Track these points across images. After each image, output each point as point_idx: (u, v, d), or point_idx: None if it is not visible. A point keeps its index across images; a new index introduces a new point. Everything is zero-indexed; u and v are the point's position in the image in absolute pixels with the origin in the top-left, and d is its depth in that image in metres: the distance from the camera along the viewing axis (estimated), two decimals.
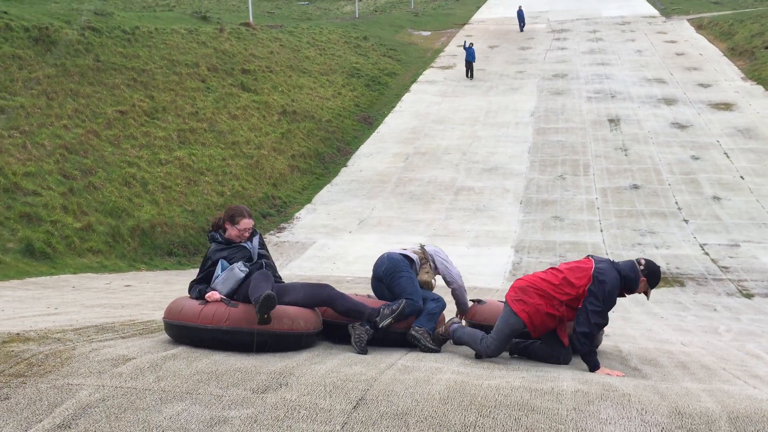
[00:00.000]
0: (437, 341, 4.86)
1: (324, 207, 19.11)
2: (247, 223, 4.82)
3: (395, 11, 48.67)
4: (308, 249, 16.09)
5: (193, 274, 4.96)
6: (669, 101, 26.37)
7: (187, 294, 4.87)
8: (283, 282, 4.88)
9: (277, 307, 4.33)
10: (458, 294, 5.47)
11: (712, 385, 4.23)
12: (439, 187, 19.98)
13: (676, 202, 18.07)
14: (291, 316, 4.43)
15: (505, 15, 44.63)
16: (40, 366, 3.81)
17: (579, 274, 4.56)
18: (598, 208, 18.01)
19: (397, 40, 37.79)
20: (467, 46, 30.95)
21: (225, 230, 4.87)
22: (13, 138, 15.87)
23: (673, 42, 35.40)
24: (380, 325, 4.65)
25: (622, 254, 14.72)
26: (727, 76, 29.18)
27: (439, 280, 5.38)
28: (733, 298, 12.49)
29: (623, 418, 3.31)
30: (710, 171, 19.94)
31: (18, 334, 4.55)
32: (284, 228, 17.73)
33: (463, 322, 5.31)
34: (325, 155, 22.91)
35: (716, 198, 18.20)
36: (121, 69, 21.29)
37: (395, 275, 5.03)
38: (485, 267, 14.45)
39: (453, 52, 35.59)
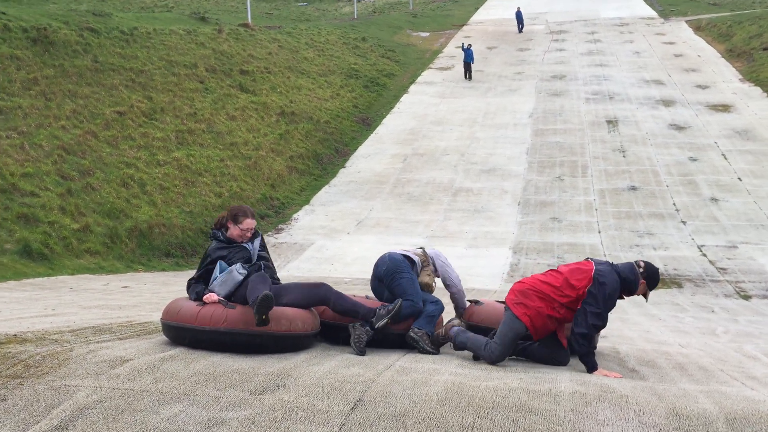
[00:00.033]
0: (436, 343, 4.86)
1: (322, 208, 19.10)
2: (249, 223, 4.82)
3: (394, 12, 48.69)
4: (306, 250, 16.08)
5: (190, 275, 4.96)
6: (667, 102, 26.39)
7: (184, 294, 4.87)
8: (281, 283, 4.88)
9: (275, 308, 4.32)
10: (457, 297, 5.49)
11: (710, 387, 4.24)
12: (437, 188, 19.97)
13: (674, 204, 18.08)
14: (289, 317, 4.43)
15: (504, 16, 44.69)
16: (37, 367, 3.81)
17: (579, 276, 4.56)
18: (596, 210, 18.02)
19: (395, 41, 37.79)
20: (465, 47, 30.95)
21: (227, 229, 4.87)
22: (10, 139, 15.85)
23: (671, 43, 35.44)
24: (376, 326, 4.64)
25: (620, 256, 14.72)
26: (725, 77, 29.21)
27: (437, 283, 5.39)
28: (731, 300, 12.49)
29: (621, 420, 3.31)
30: (708, 172, 19.95)
31: (15, 335, 4.55)
32: (282, 229, 17.72)
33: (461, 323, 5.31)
34: (324, 156, 22.90)
35: (714, 199, 18.21)
36: (119, 70, 21.28)
37: (396, 275, 5.02)
38: (483, 268, 14.44)
39: (451, 53, 35.60)
